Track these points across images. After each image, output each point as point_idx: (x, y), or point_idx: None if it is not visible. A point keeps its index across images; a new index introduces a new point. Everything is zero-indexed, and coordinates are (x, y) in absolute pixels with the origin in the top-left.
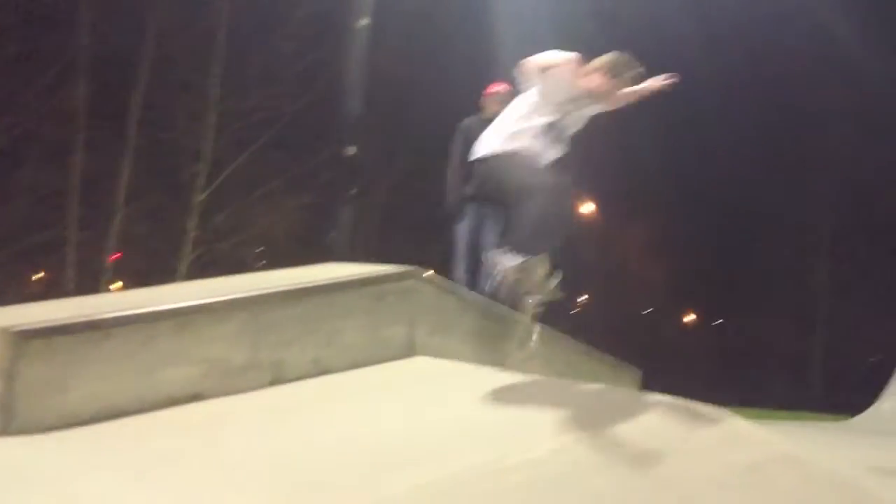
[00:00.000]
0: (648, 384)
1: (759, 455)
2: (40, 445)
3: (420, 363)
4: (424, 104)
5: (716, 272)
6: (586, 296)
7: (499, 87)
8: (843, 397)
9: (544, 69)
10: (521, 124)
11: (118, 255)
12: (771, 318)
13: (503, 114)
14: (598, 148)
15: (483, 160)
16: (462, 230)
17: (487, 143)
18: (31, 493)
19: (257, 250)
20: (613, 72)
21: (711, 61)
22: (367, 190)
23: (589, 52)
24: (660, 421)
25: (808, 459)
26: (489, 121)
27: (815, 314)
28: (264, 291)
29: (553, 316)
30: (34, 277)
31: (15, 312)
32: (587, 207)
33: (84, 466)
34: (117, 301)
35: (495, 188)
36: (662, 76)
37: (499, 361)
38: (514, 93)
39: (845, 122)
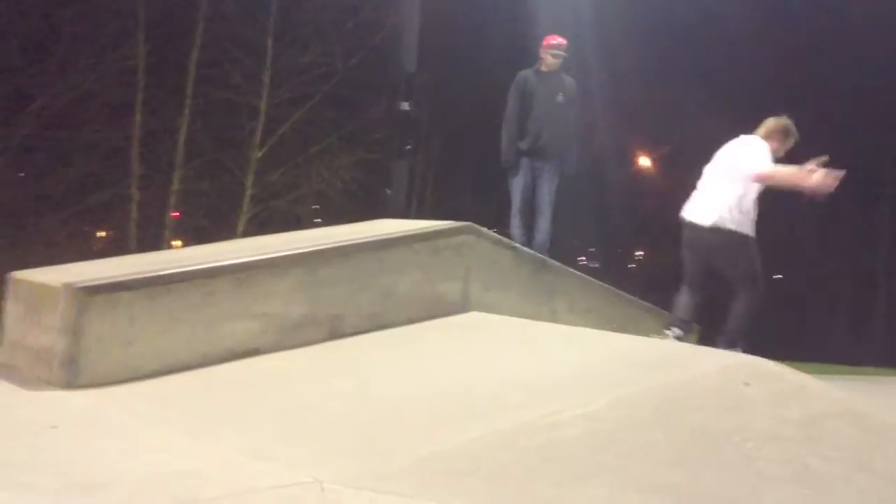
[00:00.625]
0: (707, 339)
1: (818, 409)
2: (105, 398)
3: (475, 318)
4: (480, 58)
5: (777, 224)
6: (642, 252)
7: (558, 40)
8: None
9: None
10: (741, 214)
11: (178, 213)
12: (832, 272)
13: (712, 184)
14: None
15: (704, 229)
16: (516, 185)
17: (711, 214)
18: (96, 444)
19: (313, 207)
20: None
21: None
22: (422, 146)
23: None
24: (717, 375)
25: (866, 413)
26: (546, 73)
27: (876, 267)
28: (320, 247)
29: (614, 271)
30: (97, 235)
31: (79, 269)
32: (644, 161)
33: (147, 419)
34: (178, 257)
35: (707, 255)
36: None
37: (551, 315)
38: (569, 47)
39: None
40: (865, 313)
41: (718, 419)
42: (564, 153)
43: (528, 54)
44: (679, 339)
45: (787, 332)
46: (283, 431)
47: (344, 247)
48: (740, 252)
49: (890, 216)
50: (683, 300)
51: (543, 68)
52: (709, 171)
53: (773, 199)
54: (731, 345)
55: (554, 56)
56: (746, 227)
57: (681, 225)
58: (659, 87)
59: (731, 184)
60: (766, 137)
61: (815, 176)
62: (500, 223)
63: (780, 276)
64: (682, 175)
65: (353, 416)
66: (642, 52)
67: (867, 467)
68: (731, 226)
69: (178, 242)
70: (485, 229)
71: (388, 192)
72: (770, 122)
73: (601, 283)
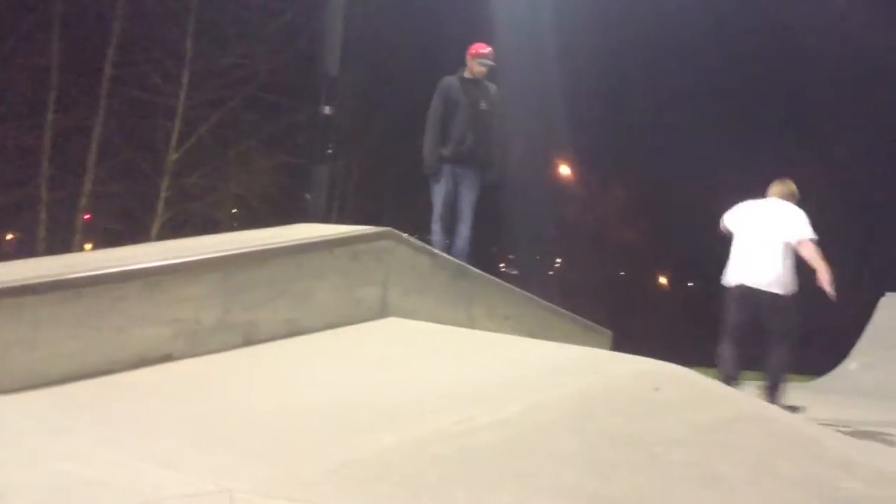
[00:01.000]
0: (620, 345)
1: (725, 413)
2: (8, 405)
3: (393, 323)
4: (403, 62)
5: (686, 235)
6: (560, 259)
7: (487, 49)
8: (810, 359)
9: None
10: (793, 275)
11: (89, 216)
12: None
13: (764, 249)
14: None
15: (768, 294)
16: (438, 192)
17: (776, 280)
18: None
19: (232, 211)
20: None
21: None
22: (344, 150)
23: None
24: (629, 381)
25: (772, 417)
26: (470, 80)
27: None
28: (236, 252)
29: (528, 278)
30: (4, 237)
31: None
32: (565, 170)
33: (53, 427)
34: (88, 261)
35: (766, 313)
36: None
37: (469, 322)
38: (496, 56)
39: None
40: None
41: (630, 424)
42: (487, 160)
43: (452, 59)
44: None
45: (698, 338)
46: (193, 439)
47: (261, 251)
48: (794, 309)
49: None
50: (732, 354)
51: (468, 75)
52: (750, 234)
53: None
54: (778, 390)
55: (482, 65)
56: (796, 285)
57: (734, 287)
58: (580, 98)
59: (782, 247)
60: (793, 202)
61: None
62: (422, 229)
63: (692, 285)
64: (601, 184)
65: (267, 424)
66: (564, 62)
67: (772, 471)
68: (791, 288)
69: (88, 245)
70: (405, 235)
71: (308, 196)
72: (791, 187)
73: (520, 290)
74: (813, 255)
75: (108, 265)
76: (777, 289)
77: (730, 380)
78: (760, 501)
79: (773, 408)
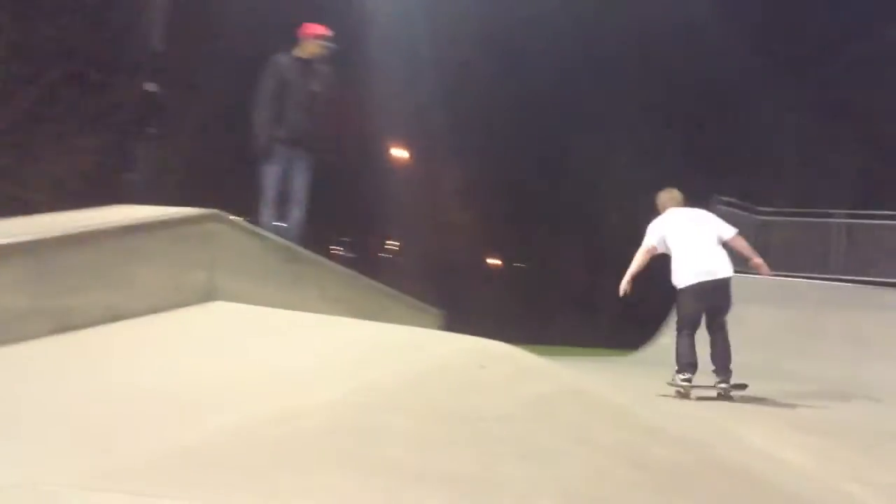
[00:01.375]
0: (451, 325)
1: (546, 388)
2: None
3: (221, 307)
4: (234, 38)
5: (517, 217)
6: (394, 241)
7: (323, 31)
8: (629, 334)
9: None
10: (727, 258)
11: None
12: (567, 263)
13: (705, 247)
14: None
15: (724, 279)
16: (271, 173)
17: (725, 268)
18: None
19: (47, 192)
20: None
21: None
22: (170, 129)
23: None
24: (456, 359)
25: (589, 391)
26: (304, 60)
27: (604, 258)
28: (47, 235)
29: (362, 261)
30: None
31: None
32: (400, 154)
33: None
34: None
35: (721, 301)
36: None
37: (301, 305)
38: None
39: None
40: (593, 299)
41: (457, 400)
42: (320, 143)
43: (285, 38)
44: (690, 381)
45: (523, 317)
46: None
47: (77, 234)
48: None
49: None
50: (689, 344)
51: (303, 55)
52: (681, 236)
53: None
54: (729, 371)
55: (323, 47)
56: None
57: (692, 285)
58: (414, 84)
59: (718, 244)
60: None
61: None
62: (253, 211)
63: (522, 265)
64: (436, 170)
65: (82, 413)
66: (400, 46)
67: (588, 440)
68: (731, 273)
69: None
70: (233, 217)
71: (131, 176)
72: (680, 195)
73: (352, 273)
74: (746, 246)
75: None
76: (727, 272)
77: (691, 366)
78: (578, 469)
79: (589, 382)
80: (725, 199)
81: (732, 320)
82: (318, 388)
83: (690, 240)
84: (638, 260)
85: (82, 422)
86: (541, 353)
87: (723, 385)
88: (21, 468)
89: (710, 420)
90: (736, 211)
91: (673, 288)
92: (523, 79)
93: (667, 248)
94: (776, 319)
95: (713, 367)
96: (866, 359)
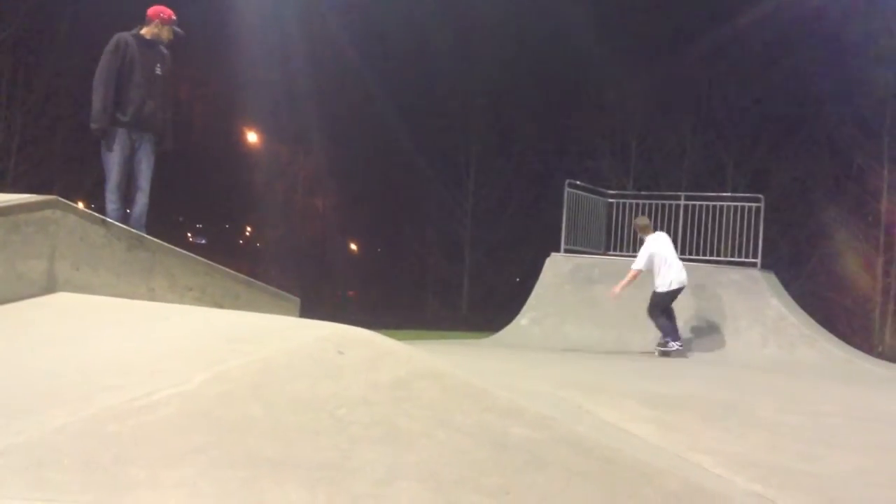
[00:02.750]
0: (309, 311)
1: (405, 372)
2: None
3: (63, 299)
4: (70, 16)
5: (379, 204)
6: (250, 228)
7: (172, 15)
8: (487, 316)
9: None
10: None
11: None
12: (427, 247)
13: (674, 260)
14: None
15: (685, 284)
16: (114, 158)
17: (686, 276)
18: None
19: None
20: None
21: None
22: (2, 111)
23: None
24: (313, 346)
25: (448, 373)
26: (147, 41)
27: (462, 244)
28: None
29: (214, 248)
30: None
31: None
32: (252, 138)
33: None
34: None
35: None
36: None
37: (149, 294)
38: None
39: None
40: (454, 283)
41: (315, 388)
42: (164, 126)
43: (129, 13)
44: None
45: (386, 303)
46: None
47: None
48: None
49: (473, 194)
50: (669, 320)
51: (147, 36)
52: (665, 254)
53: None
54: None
55: (174, 32)
56: None
57: (672, 289)
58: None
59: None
60: None
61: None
62: (97, 197)
63: (380, 251)
64: (292, 153)
65: None
66: (258, 33)
67: (447, 423)
68: None
69: None
70: (74, 204)
71: None
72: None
73: (204, 260)
74: None
75: None
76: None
77: (677, 333)
78: (437, 451)
79: (446, 365)
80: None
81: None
82: (170, 380)
83: (669, 256)
84: (628, 277)
85: None
86: (400, 338)
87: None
88: None
89: (565, 399)
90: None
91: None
92: (377, 61)
93: (649, 262)
94: (624, 299)
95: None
96: (708, 334)
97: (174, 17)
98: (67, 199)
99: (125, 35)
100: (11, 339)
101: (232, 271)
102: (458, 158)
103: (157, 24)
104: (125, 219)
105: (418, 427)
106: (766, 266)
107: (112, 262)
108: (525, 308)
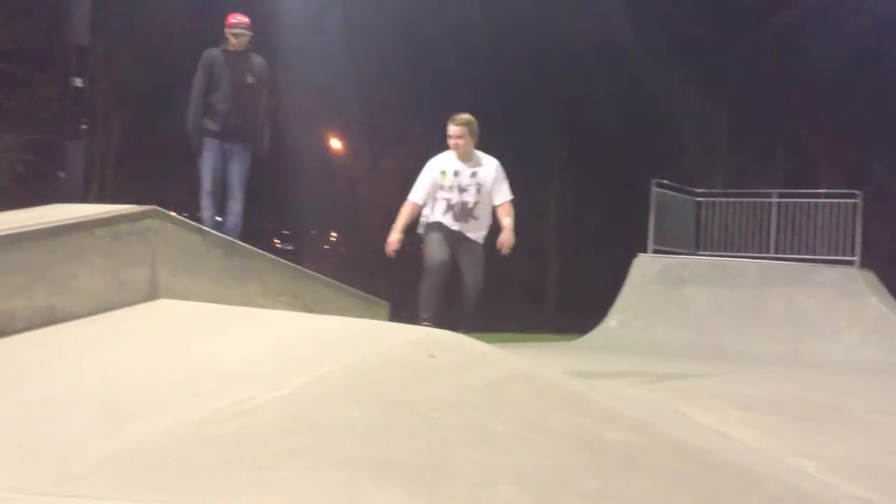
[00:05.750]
0: (398, 316)
1: (497, 375)
2: None
3: (164, 305)
4: (161, 31)
5: None
6: (336, 233)
7: (238, 19)
8: (574, 318)
9: None
10: None
11: None
12: (511, 249)
13: None
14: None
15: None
16: (206, 168)
17: None
18: None
19: None
20: None
21: None
22: (101, 125)
23: None
24: (406, 348)
25: (539, 376)
26: (234, 53)
27: (548, 244)
28: None
29: (304, 253)
30: None
31: None
32: (336, 144)
33: None
34: None
35: None
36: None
37: (244, 300)
38: (251, 26)
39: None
40: (539, 284)
41: (408, 391)
42: (256, 134)
43: (215, 29)
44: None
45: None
46: None
47: (10, 235)
48: None
49: (557, 195)
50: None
51: (231, 48)
52: None
53: None
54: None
55: (235, 35)
56: None
57: None
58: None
59: None
60: None
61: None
62: (191, 207)
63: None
64: (373, 158)
65: (25, 419)
66: (341, 37)
67: (542, 426)
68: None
69: None
70: (172, 213)
71: (62, 175)
72: None
73: (294, 266)
74: None
75: None
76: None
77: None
78: (531, 455)
79: (539, 367)
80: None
81: (674, 302)
82: (269, 384)
83: None
84: None
85: (29, 427)
86: (488, 342)
87: None
88: None
89: (660, 402)
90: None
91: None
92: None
93: None
94: (716, 300)
95: None
96: (804, 336)
97: (232, 21)
98: (166, 208)
99: (212, 51)
100: (116, 346)
101: (321, 276)
102: (543, 159)
103: (227, 34)
104: (219, 225)
105: (513, 431)
106: (864, 264)
107: (209, 269)
108: (613, 310)
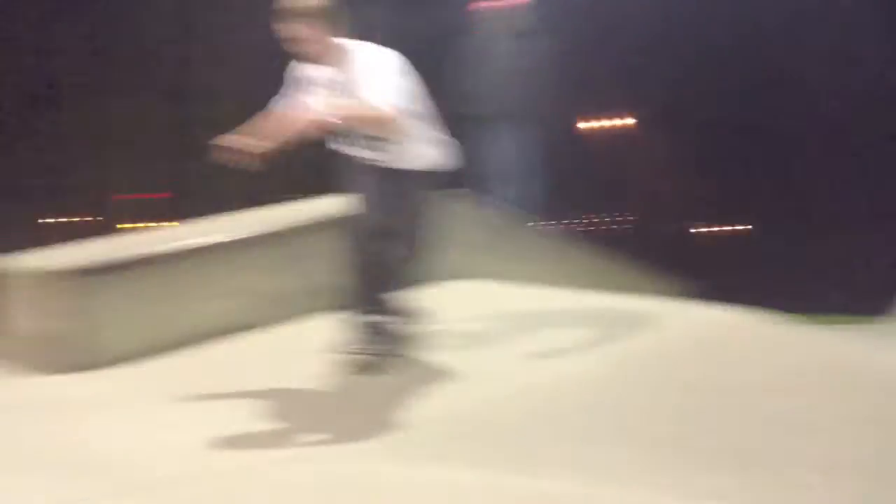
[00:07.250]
0: (698, 295)
1: (807, 359)
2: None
3: (463, 286)
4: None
5: (757, 183)
6: (630, 215)
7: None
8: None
9: None
10: None
11: None
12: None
13: None
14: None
15: None
16: (488, 150)
17: None
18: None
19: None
20: None
21: None
22: None
23: None
24: (710, 329)
25: (852, 362)
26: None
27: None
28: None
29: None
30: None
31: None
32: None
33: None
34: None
35: None
36: None
37: (539, 278)
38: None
39: None
40: (842, 261)
41: (715, 372)
42: (525, 115)
43: None
44: None
45: (772, 285)
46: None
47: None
48: None
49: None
50: None
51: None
52: None
53: None
54: None
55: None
56: None
57: None
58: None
59: None
60: None
61: None
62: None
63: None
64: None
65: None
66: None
67: (854, 413)
68: None
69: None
70: (467, 193)
71: None
72: None
73: (591, 244)
74: None
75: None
76: None
77: None
78: (856, 443)
79: (849, 351)
80: None
81: None
82: (572, 361)
83: None
84: None
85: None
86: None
87: None
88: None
89: None
90: None
91: None
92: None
93: None
94: None
95: None
96: None
97: (487, 6)
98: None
99: (467, 33)
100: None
101: (624, 258)
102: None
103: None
104: (507, 206)
105: (823, 418)
106: None
107: (504, 249)
108: None
